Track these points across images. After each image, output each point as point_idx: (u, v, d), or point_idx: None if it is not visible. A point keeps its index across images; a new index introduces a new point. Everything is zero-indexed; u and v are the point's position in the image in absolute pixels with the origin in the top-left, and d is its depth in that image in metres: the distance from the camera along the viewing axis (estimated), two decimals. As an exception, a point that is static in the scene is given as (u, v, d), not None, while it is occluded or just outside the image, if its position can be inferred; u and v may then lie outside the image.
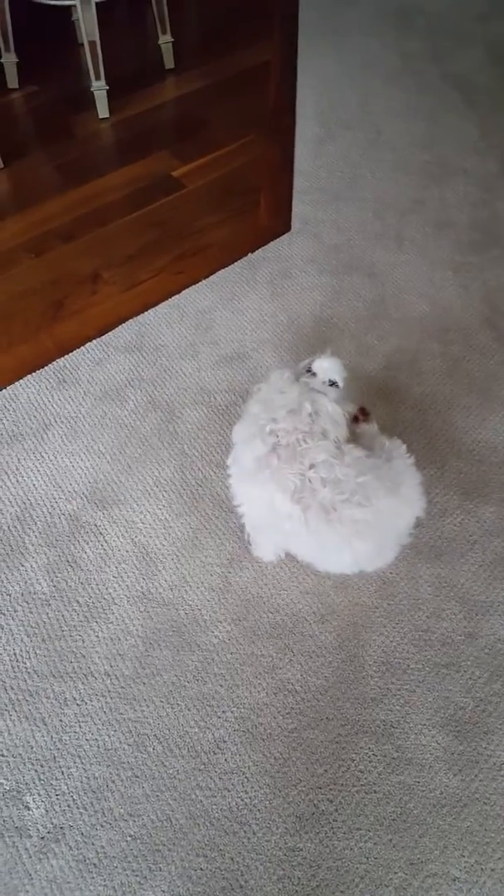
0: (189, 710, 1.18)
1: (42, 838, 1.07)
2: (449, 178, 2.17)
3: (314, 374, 1.20)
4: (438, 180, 2.16)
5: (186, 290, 1.85)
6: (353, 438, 1.23)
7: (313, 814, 1.09)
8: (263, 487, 1.12)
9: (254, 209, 2.09)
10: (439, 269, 1.90)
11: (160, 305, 1.82)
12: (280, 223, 2.05)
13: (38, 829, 1.07)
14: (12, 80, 2.49)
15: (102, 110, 2.39)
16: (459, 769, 1.13)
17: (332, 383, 1.19)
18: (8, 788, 1.10)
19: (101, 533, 1.39)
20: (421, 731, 1.16)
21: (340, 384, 1.20)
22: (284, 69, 2.63)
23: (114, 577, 1.33)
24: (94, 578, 1.33)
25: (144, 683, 1.21)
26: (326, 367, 1.19)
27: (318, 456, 1.09)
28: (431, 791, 1.11)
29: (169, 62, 2.60)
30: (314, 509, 1.09)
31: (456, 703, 1.19)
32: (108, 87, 2.34)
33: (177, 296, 1.84)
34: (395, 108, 2.43)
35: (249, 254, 1.95)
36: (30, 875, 1.04)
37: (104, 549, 1.37)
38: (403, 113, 2.41)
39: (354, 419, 1.26)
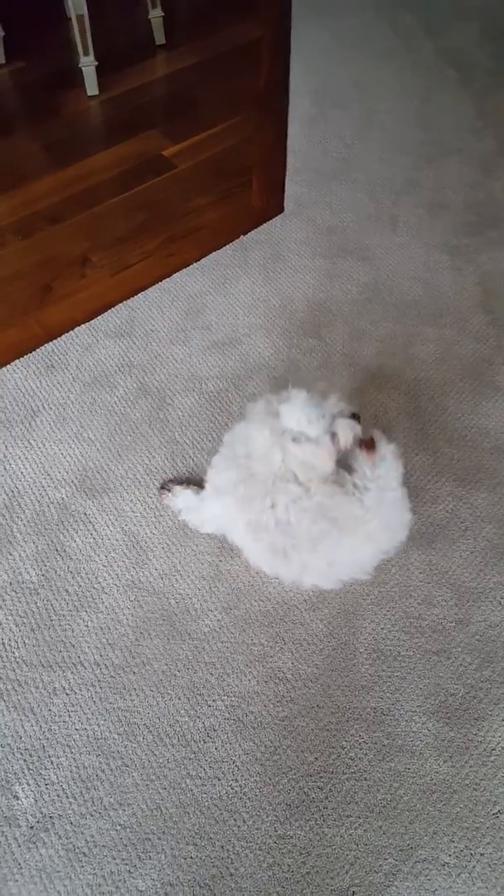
0: (179, 699, 1.18)
1: (31, 828, 1.06)
2: (444, 158, 2.13)
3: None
4: (433, 160, 2.13)
5: (177, 274, 1.82)
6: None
7: (303, 801, 1.09)
8: (229, 506, 1.17)
9: (246, 190, 2.05)
10: (434, 252, 1.87)
11: (150, 289, 1.79)
12: (273, 205, 2.01)
13: (27, 819, 1.07)
14: (-2, 56, 2.43)
15: (91, 87, 2.33)
16: (450, 755, 1.13)
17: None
18: (-3, 778, 1.10)
19: (90, 521, 1.38)
20: (412, 717, 1.16)
21: (311, 432, 1.07)
22: (277, 45, 2.57)
23: (103, 565, 1.32)
24: (84, 567, 1.32)
25: (134, 673, 1.20)
26: (296, 418, 1.06)
27: (280, 498, 1.09)
28: (422, 777, 1.11)
29: (159, 38, 2.55)
30: (265, 544, 1.14)
31: (447, 689, 1.19)
32: (96, 64, 2.28)
33: (167, 279, 1.81)
34: (390, 85, 2.39)
35: (241, 236, 1.92)
36: (19, 864, 1.04)
37: (94, 538, 1.35)
38: (398, 91, 2.37)
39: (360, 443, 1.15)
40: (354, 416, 1.11)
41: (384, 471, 1.17)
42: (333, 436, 1.08)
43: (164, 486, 1.40)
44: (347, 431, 1.09)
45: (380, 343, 1.67)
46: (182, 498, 1.35)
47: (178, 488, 1.37)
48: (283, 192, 2.04)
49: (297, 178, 2.07)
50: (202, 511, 1.30)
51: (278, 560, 1.16)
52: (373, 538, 1.17)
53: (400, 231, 1.93)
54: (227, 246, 1.89)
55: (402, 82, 2.40)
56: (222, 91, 2.38)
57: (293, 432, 1.06)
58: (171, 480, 1.42)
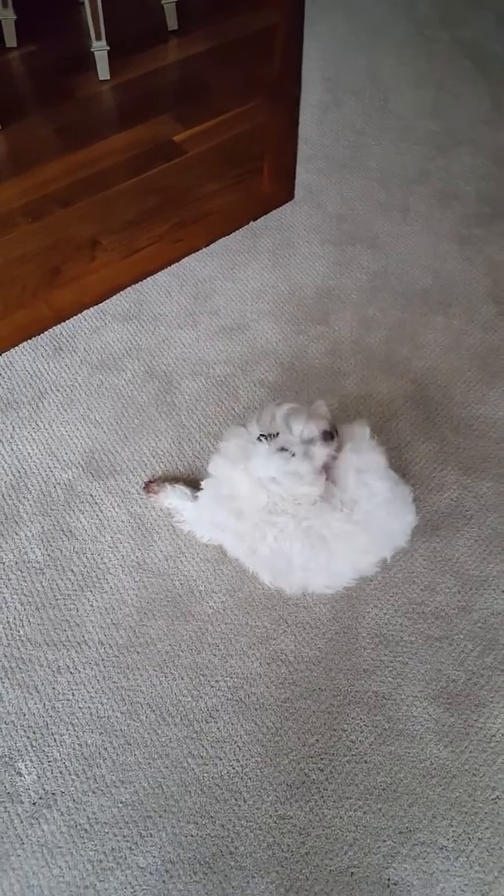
0: (182, 679, 1.18)
1: (34, 804, 1.07)
2: (456, 149, 2.12)
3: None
4: (446, 151, 2.11)
5: (186, 259, 1.82)
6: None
7: (304, 782, 1.10)
8: (226, 537, 1.22)
9: (256, 176, 2.05)
10: (444, 242, 1.87)
11: (159, 273, 1.79)
12: (283, 191, 2.00)
13: (29, 795, 1.08)
14: (10, 39, 2.42)
15: (103, 72, 2.32)
16: (450, 741, 1.13)
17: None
18: (0, 755, 1.11)
19: (96, 503, 1.38)
20: (413, 702, 1.17)
21: (287, 469, 1.05)
22: (291, 32, 2.55)
23: (109, 546, 1.33)
24: (89, 548, 1.32)
25: (138, 652, 1.21)
26: (266, 469, 1.05)
27: (268, 530, 1.10)
28: (422, 762, 1.12)
29: (172, 23, 2.53)
30: (264, 567, 1.19)
31: (448, 675, 1.19)
32: (108, 48, 2.27)
33: (176, 264, 1.81)
34: (404, 74, 2.37)
35: (251, 222, 1.91)
36: (21, 840, 1.05)
37: (99, 519, 1.36)
38: (412, 80, 2.35)
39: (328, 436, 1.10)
40: (326, 434, 1.06)
41: (373, 479, 1.14)
42: (311, 460, 1.05)
43: (150, 487, 1.37)
44: (323, 458, 1.07)
45: (388, 331, 1.67)
46: (175, 497, 1.32)
47: (167, 487, 1.34)
48: (294, 178, 2.03)
49: (309, 165, 2.06)
50: (199, 528, 1.30)
51: (279, 577, 1.19)
52: (368, 549, 1.18)
53: (410, 220, 1.92)
54: (237, 232, 1.89)
55: (416, 71, 2.38)
56: (234, 77, 2.37)
57: (269, 477, 1.05)
58: (154, 480, 1.39)
